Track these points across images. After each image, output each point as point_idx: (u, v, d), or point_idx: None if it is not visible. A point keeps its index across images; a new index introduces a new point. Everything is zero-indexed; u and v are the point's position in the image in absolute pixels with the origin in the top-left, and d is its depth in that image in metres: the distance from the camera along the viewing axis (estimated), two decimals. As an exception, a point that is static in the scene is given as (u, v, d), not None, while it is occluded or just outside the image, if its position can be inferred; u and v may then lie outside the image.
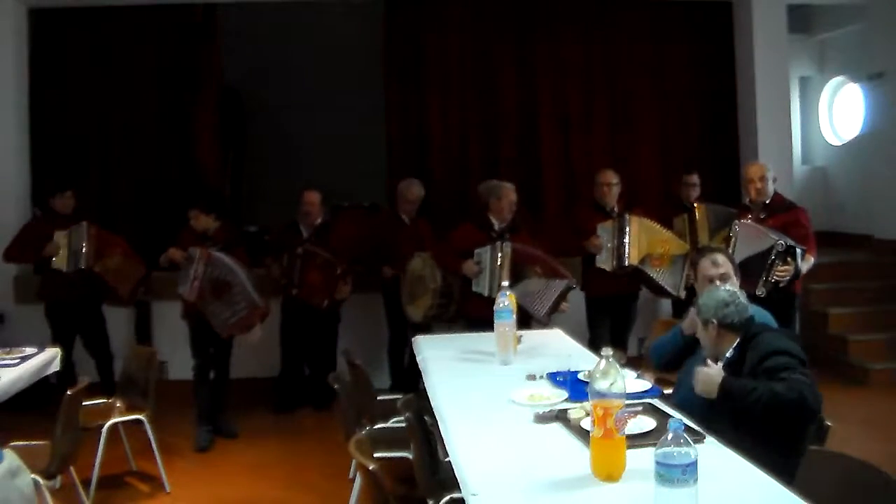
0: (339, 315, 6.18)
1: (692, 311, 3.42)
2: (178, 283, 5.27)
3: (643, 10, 7.40)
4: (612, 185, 5.77)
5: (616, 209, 5.73)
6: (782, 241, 4.86)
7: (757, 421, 2.79)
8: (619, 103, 7.42)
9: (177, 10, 7.04)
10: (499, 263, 5.16)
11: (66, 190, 5.99)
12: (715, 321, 3.07)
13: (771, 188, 5.24)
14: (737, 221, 5.19)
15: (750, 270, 4.75)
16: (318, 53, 8.65)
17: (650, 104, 7.43)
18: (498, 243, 5.21)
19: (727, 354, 3.06)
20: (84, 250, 5.72)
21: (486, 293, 5.15)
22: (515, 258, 5.18)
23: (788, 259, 4.85)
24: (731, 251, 4.99)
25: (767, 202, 5.23)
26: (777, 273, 4.83)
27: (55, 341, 5.50)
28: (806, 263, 5.03)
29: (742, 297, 3.14)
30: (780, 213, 5.20)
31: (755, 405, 2.76)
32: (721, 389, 2.87)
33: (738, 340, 3.05)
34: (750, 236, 5.02)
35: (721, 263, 3.57)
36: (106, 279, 5.80)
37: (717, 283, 3.50)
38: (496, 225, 5.37)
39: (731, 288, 3.24)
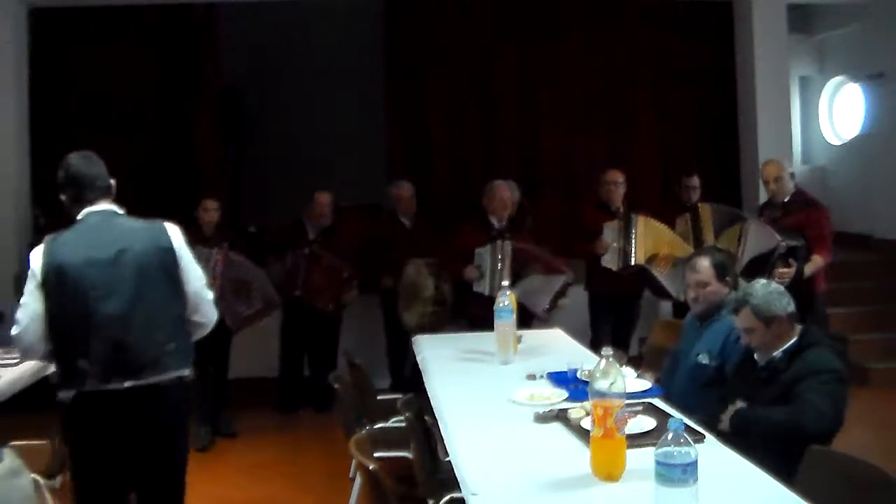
0: (342, 317, 6.15)
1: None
2: None
3: (643, 10, 7.39)
4: (617, 183, 5.77)
5: (621, 209, 5.72)
6: (785, 243, 4.84)
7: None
8: (619, 103, 7.40)
9: (177, 10, 7.02)
10: (499, 263, 5.16)
11: None
12: (785, 314, 3.00)
13: (789, 186, 5.20)
14: (750, 219, 5.17)
15: (755, 269, 4.76)
16: (318, 53, 8.63)
17: (650, 104, 7.41)
18: (498, 243, 5.22)
19: (775, 354, 3.01)
20: None
21: (486, 293, 5.16)
22: (516, 257, 5.18)
23: (790, 261, 4.84)
24: (740, 249, 4.99)
25: (786, 200, 5.20)
26: (777, 276, 4.81)
27: None
28: (812, 265, 5.01)
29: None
30: (796, 212, 5.14)
31: (757, 434, 2.78)
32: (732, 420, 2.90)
33: (794, 339, 3.00)
34: (759, 235, 5.01)
35: (700, 270, 3.46)
36: None
37: (691, 291, 3.50)
38: (495, 224, 5.37)
39: (771, 281, 3.19)
